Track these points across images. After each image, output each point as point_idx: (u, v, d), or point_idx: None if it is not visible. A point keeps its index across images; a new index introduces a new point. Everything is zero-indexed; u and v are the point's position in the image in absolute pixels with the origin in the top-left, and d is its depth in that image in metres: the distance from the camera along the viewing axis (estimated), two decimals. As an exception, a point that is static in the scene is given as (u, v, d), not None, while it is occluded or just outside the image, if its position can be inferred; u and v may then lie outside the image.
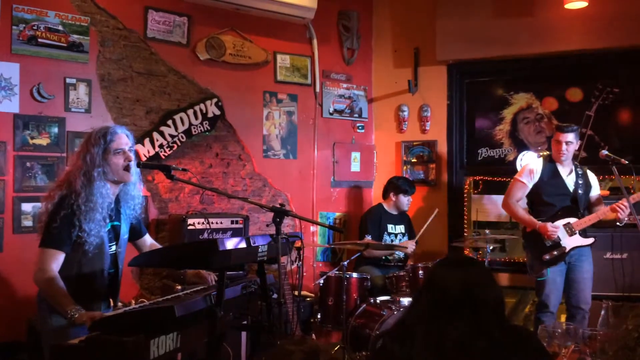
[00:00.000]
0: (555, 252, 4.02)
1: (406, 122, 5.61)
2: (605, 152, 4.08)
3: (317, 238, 5.38)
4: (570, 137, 4.06)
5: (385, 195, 5.00)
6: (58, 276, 2.48)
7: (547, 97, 5.26)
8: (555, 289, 4.06)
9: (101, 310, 2.61)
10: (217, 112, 4.69)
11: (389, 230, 4.89)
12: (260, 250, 2.54)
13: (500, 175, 5.24)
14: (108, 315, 2.27)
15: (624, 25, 4.71)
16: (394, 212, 4.96)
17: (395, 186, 4.93)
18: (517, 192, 4.21)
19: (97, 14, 4.15)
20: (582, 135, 5.00)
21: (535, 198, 4.19)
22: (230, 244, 2.32)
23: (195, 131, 4.56)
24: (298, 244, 3.31)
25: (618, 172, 3.98)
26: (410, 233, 5.02)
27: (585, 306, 4.04)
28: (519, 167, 4.87)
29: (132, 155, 2.68)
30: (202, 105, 4.61)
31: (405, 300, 4.12)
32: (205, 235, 4.12)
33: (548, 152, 4.32)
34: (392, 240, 4.87)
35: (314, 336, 4.29)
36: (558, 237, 4.03)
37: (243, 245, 2.41)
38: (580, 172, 4.19)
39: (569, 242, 4.05)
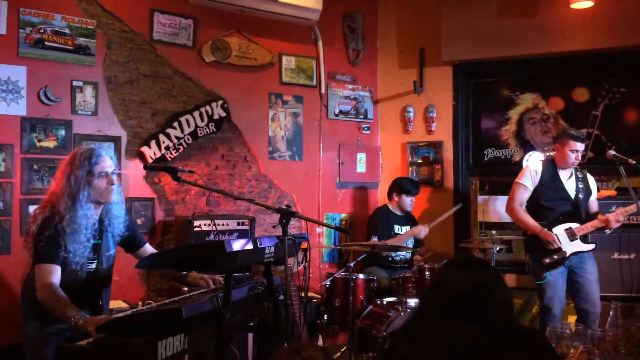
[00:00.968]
0: (555, 256, 4.02)
1: (412, 123, 5.60)
2: (612, 152, 4.07)
3: (323, 239, 5.38)
4: (582, 147, 4.07)
5: (389, 196, 5.00)
6: (58, 287, 2.53)
7: (554, 97, 5.24)
8: (557, 291, 4.05)
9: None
10: (223, 114, 4.70)
11: (396, 230, 4.88)
12: (266, 251, 2.54)
13: (507, 175, 5.21)
14: (115, 317, 2.28)
15: (631, 25, 4.68)
16: (399, 213, 4.96)
17: (398, 186, 4.93)
18: (521, 196, 4.18)
19: (103, 17, 4.16)
20: (588, 135, 4.99)
21: (535, 201, 4.18)
22: (237, 245, 2.33)
23: (201, 133, 4.57)
24: (304, 245, 3.30)
25: (625, 172, 3.97)
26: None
27: (594, 309, 4.01)
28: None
29: (114, 178, 2.71)
30: (207, 107, 4.62)
31: (412, 302, 4.12)
32: (212, 237, 4.12)
33: (548, 156, 4.29)
34: (398, 241, 4.86)
35: (320, 338, 4.28)
36: (559, 241, 4.03)
37: (250, 246, 2.42)
38: (580, 176, 4.17)
39: (570, 247, 4.05)
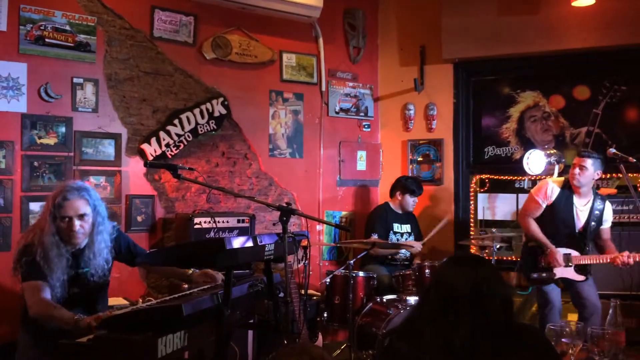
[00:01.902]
0: (544, 275, 4.06)
1: (412, 121, 5.60)
2: (612, 150, 4.07)
3: (323, 237, 5.38)
4: (585, 162, 3.98)
5: (392, 194, 5.00)
6: (48, 299, 2.59)
7: (554, 95, 5.24)
8: (551, 293, 4.09)
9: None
10: (224, 111, 4.70)
11: (395, 229, 4.88)
12: (266, 249, 2.54)
13: (507, 173, 5.23)
14: (116, 314, 2.28)
15: (632, 23, 4.68)
16: (399, 211, 4.95)
17: (403, 186, 4.92)
18: (533, 211, 4.21)
19: (103, 14, 4.16)
20: (589, 133, 4.99)
21: (542, 219, 4.19)
22: (237, 242, 2.33)
23: (201, 130, 4.57)
24: (304, 242, 3.30)
25: (625, 170, 3.97)
26: (416, 233, 5.01)
27: (594, 309, 4.00)
28: (525, 166, 4.86)
29: (76, 224, 2.68)
30: (208, 105, 4.61)
31: (412, 299, 4.12)
32: (212, 234, 4.12)
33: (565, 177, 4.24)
34: (397, 240, 4.86)
35: (320, 335, 4.28)
36: (561, 266, 4.06)
37: (250, 244, 2.42)
38: (600, 207, 4.10)
39: (561, 271, 4.07)
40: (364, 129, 5.64)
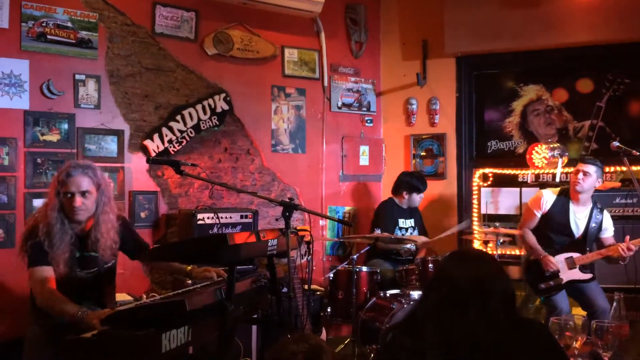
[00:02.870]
0: (551, 283, 4.06)
1: (415, 116, 5.59)
2: (616, 143, 4.05)
3: (326, 232, 5.39)
4: (589, 168, 3.97)
5: (397, 192, 4.96)
6: (54, 288, 2.59)
7: (557, 88, 5.22)
8: (558, 295, 4.09)
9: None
10: (226, 107, 4.70)
11: (400, 224, 4.88)
12: (269, 244, 2.54)
13: (510, 167, 5.21)
14: (119, 310, 2.29)
15: (635, 16, 4.65)
16: (405, 207, 4.94)
17: (408, 185, 4.86)
18: (529, 222, 4.25)
19: (105, 10, 4.16)
20: (592, 126, 4.97)
21: (540, 230, 4.21)
22: (240, 238, 2.33)
23: (204, 126, 4.57)
24: (307, 237, 3.31)
25: (629, 163, 3.95)
26: (420, 227, 5.01)
27: (601, 308, 3.99)
28: (528, 160, 4.85)
29: (79, 200, 2.67)
30: (210, 101, 4.61)
31: (415, 294, 4.12)
32: (215, 230, 4.13)
33: (565, 187, 4.22)
34: (402, 234, 4.86)
35: (323, 330, 4.29)
36: (557, 269, 4.06)
37: (253, 239, 2.42)
38: (598, 217, 4.10)
39: (567, 275, 4.07)
40: (367, 124, 5.63)
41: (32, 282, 2.64)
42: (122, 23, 4.24)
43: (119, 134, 4.20)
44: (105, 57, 4.16)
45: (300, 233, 2.96)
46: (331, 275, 4.40)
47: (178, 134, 4.43)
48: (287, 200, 2.72)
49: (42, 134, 3.88)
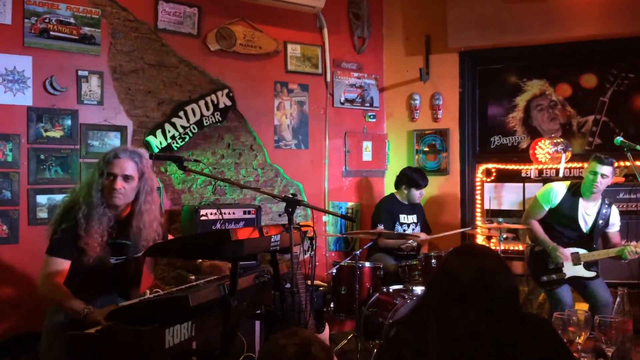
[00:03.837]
0: (554, 276, 4.07)
1: (418, 111, 5.58)
2: (620, 138, 4.04)
3: (329, 228, 5.39)
4: (607, 170, 3.97)
5: (397, 187, 4.98)
6: (61, 283, 2.57)
7: (561, 83, 5.21)
8: (562, 295, 4.08)
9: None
10: (229, 103, 4.69)
11: (401, 220, 4.88)
12: (272, 240, 2.55)
13: (514, 162, 5.20)
14: (123, 305, 2.30)
15: (639, 11, 4.63)
16: (406, 202, 4.94)
17: (408, 179, 4.88)
18: (536, 214, 4.25)
19: (108, 6, 4.15)
20: (596, 121, 4.95)
21: (547, 221, 4.21)
22: (243, 234, 2.33)
23: (206, 122, 4.57)
24: (310, 233, 3.31)
25: (633, 158, 3.94)
26: (422, 223, 5.01)
27: (606, 303, 3.99)
28: (532, 156, 4.84)
29: (120, 184, 2.65)
30: (213, 96, 4.61)
31: (418, 289, 4.13)
32: (218, 225, 4.13)
33: (576, 182, 4.21)
34: (404, 230, 4.86)
35: (327, 325, 4.29)
36: (562, 263, 4.05)
37: (256, 235, 2.42)
38: (607, 212, 4.11)
39: (571, 270, 4.08)
40: (370, 120, 5.63)
41: (42, 269, 2.61)
42: (124, 19, 4.23)
43: (122, 130, 4.20)
44: (108, 53, 4.16)
45: (303, 229, 2.96)
46: (334, 270, 4.41)
47: (181, 130, 4.44)
48: (290, 196, 2.72)
49: (46, 130, 3.89)
